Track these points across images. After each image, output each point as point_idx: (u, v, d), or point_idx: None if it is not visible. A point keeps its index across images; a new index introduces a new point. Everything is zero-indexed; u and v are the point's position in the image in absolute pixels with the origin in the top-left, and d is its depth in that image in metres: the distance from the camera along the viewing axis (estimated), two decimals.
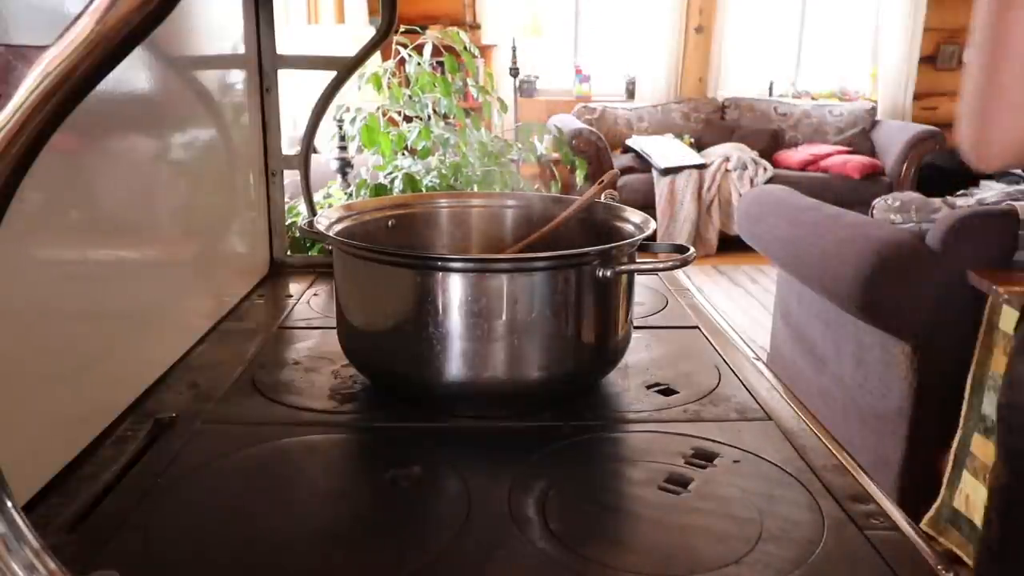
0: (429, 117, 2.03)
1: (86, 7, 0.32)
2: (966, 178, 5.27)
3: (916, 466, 2.00)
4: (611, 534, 0.62)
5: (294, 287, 1.24)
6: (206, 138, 1.07)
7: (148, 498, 0.64)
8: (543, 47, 5.81)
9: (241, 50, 1.19)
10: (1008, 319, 1.77)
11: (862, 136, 5.56)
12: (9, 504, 0.37)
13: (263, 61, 1.25)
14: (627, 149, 5.31)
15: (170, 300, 0.93)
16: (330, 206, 1.21)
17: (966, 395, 1.86)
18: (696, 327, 1.06)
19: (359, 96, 2.08)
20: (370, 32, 1.26)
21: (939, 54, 5.93)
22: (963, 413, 1.87)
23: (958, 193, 3.99)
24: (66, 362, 0.68)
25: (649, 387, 0.86)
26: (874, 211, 2.32)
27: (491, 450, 0.75)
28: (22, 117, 0.33)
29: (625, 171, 5.01)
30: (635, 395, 0.85)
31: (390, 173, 1.93)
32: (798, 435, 0.76)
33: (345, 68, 1.27)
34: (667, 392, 0.85)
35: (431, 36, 2.10)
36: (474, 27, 5.39)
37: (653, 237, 0.83)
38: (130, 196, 0.84)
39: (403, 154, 2.02)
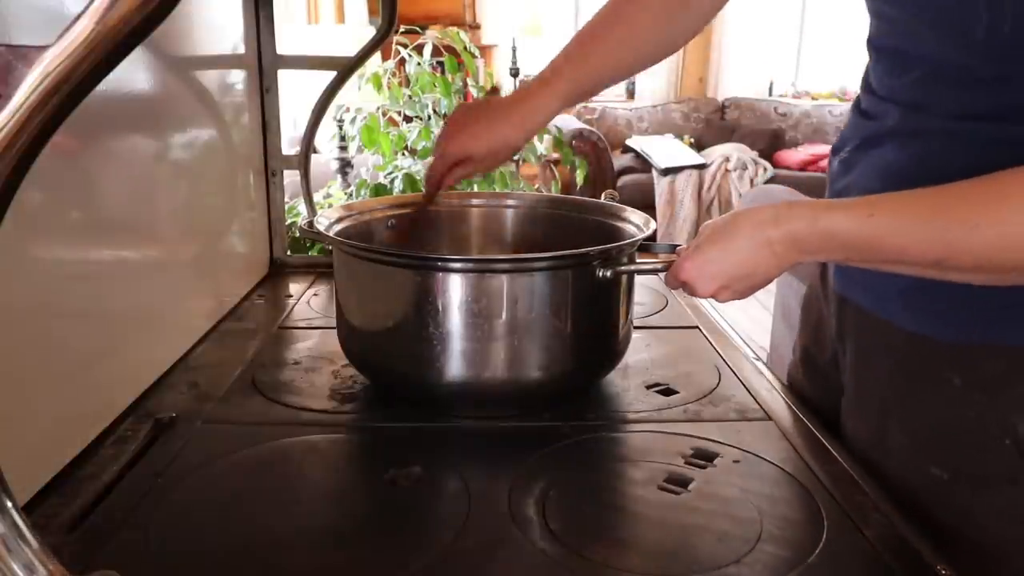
0: (429, 117, 2.03)
1: (86, 7, 0.32)
2: None
3: None
4: (611, 534, 0.62)
5: (294, 287, 1.24)
6: (206, 138, 1.07)
7: (148, 498, 0.64)
8: (543, 47, 5.80)
9: (241, 50, 1.19)
10: None
11: None
12: (9, 504, 0.37)
13: (263, 61, 1.25)
14: (627, 149, 5.31)
15: (170, 300, 0.93)
16: (330, 206, 1.21)
17: None
18: (696, 327, 1.06)
19: (359, 96, 2.08)
20: (370, 32, 1.26)
21: None
22: None
23: None
24: (66, 362, 0.68)
25: (649, 387, 0.86)
26: None
27: (491, 450, 0.75)
28: (22, 117, 0.32)
29: (625, 171, 5.01)
30: (635, 395, 0.85)
31: (390, 173, 1.93)
32: (798, 435, 0.76)
33: (345, 68, 1.27)
34: (667, 392, 0.85)
35: (431, 36, 2.10)
36: (474, 27, 5.38)
37: (653, 237, 0.83)
38: (130, 196, 0.84)
39: (403, 154, 2.02)
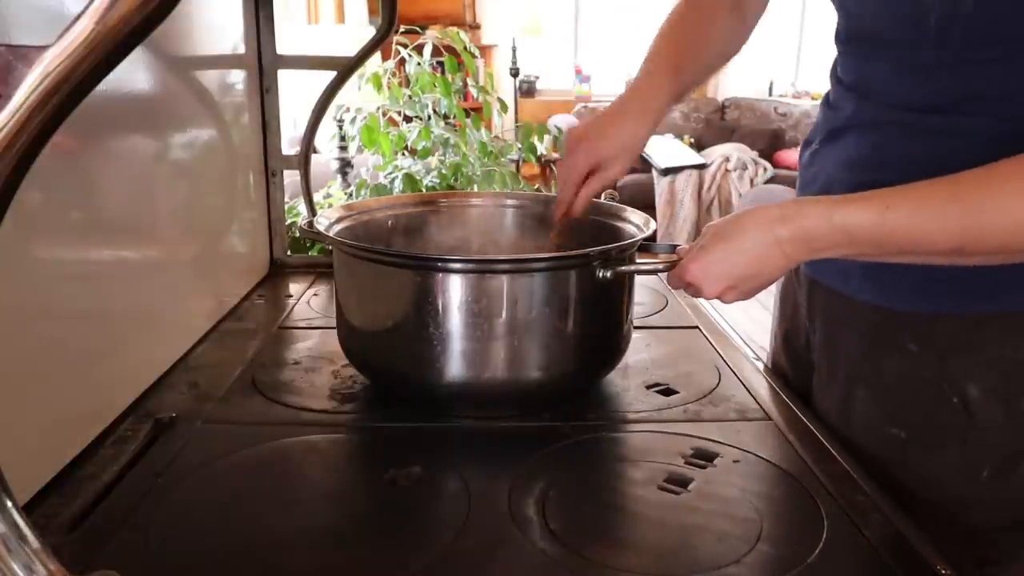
0: (429, 117, 2.02)
1: (86, 7, 0.32)
2: None
3: None
4: (611, 534, 0.62)
5: (294, 287, 1.24)
6: (206, 138, 1.07)
7: (148, 498, 0.63)
8: (543, 47, 5.81)
9: (241, 50, 1.19)
10: None
11: None
12: (9, 504, 0.37)
13: (263, 61, 1.25)
14: None
15: (170, 300, 0.93)
16: (330, 206, 1.21)
17: None
18: (696, 327, 1.06)
19: (359, 96, 2.08)
20: (370, 32, 1.26)
21: None
22: None
23: None
24: (66, 362, 0.68)
25: (649, 387, 0.86)
26: None
27: (491, 450, 0.75)
28: (22, 117, 0.32)
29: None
30: (635, 395, 0.85)
31: (390, 173, 1.93)
32: (798, 435, 0.76)
33: (345, 68, 1.27)
34: (667, 392, 0.85)
35: (431, 36, 2.10)
36: (474, 27, 5.38)
37: (653, 237, 0.83)
38: (130, 196, 0.84)
39: (403, 154, 2.02)
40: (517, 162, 2.26)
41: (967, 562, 0.70)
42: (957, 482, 0.70)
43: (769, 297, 0.95)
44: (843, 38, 0.78)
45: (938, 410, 0.70)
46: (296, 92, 1.54)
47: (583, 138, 0.84)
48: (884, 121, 0.71)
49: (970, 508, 0.70)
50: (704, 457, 0.70)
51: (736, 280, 0.67)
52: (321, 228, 0.83)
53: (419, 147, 1.97)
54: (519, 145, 2.18)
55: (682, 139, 5.39)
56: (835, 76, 0.80)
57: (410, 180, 1.87)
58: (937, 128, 0.66)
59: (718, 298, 0.69)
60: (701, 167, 4.93)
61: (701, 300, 1.16)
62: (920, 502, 0.70)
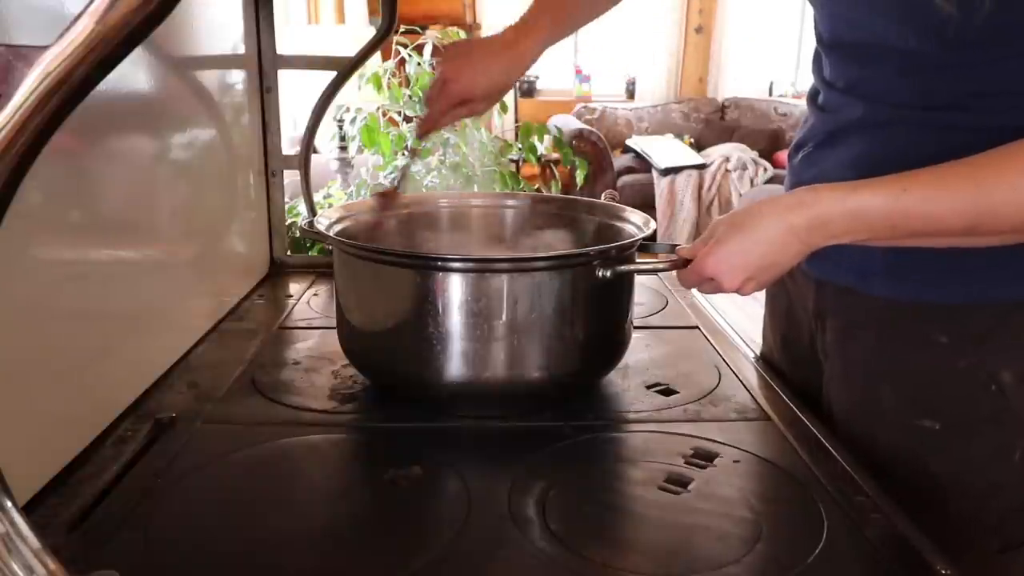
0: None
1: (86, 7, 0.32)
2: None
3: None
4: (611, 534, 0.62)
5: (294, 287, 1.24)
6: (206, 138, 1.07)
7: (148, 498, 0.63)
8: None
9: (241, 50, 1.19)
10: None
11: None
12: (9, 504, 0.37)
13: (263, 61, 1.25)
14: (627, 149, 5.31)
15: (170, 300, 0.93)
16: (330, 206, 1.21)
17: None
18: (696, 327, 1.06)
19: (359, 96, 2.08)
20: (370, 32, 1.26)
21: None
22: None
23: None
24: (66, 362, 0.68)
25: (649, 387, 0.86)
26: None
27: (491, 450, 0.75)
28: (22, 117, 0.32)
29: (625, 171, 5.00)
30: (635, 395, 0.85)
31: (390, 173, 1.93)
32: (798, 435, 0.76)
33: (345, 68, 1.27)
34: (667, 392, 0.85)
35: (431, 36, 2.10)
36: (474, 27, 5.37)
37: (653, 237, 0.83)
38: (130, 196, 0.84)
39: (403, 154, 2.02)
40: (517, 162, 2.27)
41: (991, 547, 0.71)
42: (990, 466, 0.71)
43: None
44: (830, 41, 0.77)
45: (976, 398, 0.70)
46: (296, 92, 1.54)
47: (453, 81, 0.89)
48: (895, 120, 0.71)
49: (999, 492, 0.71)
50: (704, 457, 0.70)
51: (755, 270, 0.66)
52: (321, 228, 0.83)
53: (419, 147, 1.96)
54: (519, 145, 2.18)
55: (682, 139, 5.39)
56: (822, 78, 0.80)
57: (410, 180, 1.87)
58: (954, 124, 0.66)
59: (737, 291, 0.68)
60: (701, 167, 4.93)
61: (700, 300, 1.16)
62: (948, 491, 0.71)
